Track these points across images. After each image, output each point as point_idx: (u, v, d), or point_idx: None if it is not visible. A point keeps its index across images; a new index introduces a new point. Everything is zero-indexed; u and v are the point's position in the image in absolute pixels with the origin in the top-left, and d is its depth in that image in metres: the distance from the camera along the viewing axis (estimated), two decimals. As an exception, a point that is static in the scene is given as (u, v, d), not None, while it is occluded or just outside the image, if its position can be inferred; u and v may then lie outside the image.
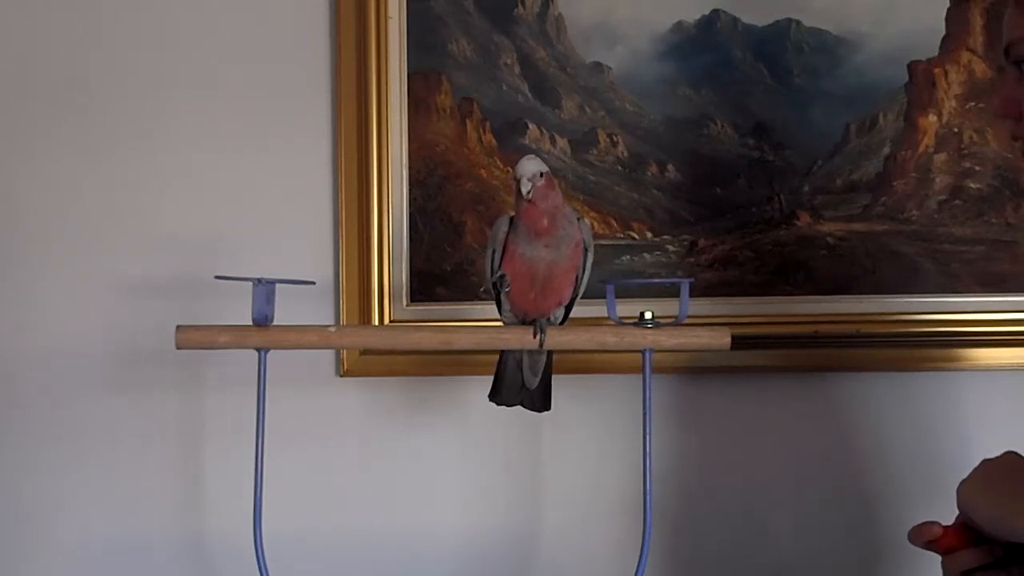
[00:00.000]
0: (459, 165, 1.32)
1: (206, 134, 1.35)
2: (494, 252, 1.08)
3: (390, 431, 1.32)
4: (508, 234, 1.07)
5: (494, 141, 1.32)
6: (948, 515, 0.93)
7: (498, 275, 1.08)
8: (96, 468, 1.35)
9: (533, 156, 1.06)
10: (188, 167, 1.35)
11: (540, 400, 1.14)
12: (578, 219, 1.08)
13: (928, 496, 1.21)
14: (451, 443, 1.32)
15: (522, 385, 1.13)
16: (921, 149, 1.26)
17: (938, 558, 0.94)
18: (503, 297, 1.09)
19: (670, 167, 1.29)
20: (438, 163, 1.32)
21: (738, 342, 1.11)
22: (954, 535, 0.91)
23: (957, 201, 1.26)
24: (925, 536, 0.93)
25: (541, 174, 1.04)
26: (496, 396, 1.14)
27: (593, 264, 1.10)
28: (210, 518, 1.33)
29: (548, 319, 1.09)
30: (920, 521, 0.92)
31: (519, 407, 1.14)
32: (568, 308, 1.11)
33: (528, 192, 1.03)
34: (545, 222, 1.05)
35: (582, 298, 1.12)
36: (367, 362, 1.31)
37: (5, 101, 1.38)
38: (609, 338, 1.09)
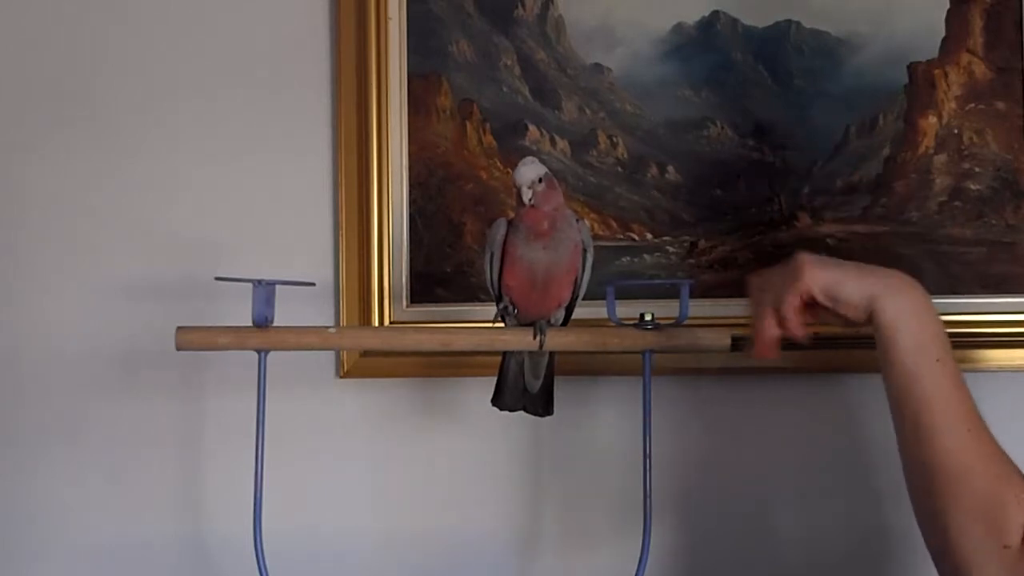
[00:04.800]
0: (459, 167, 1.32)
1: (206, 135, 1.35)
2: (492, 255, 1.08)
3: (390, 432, 1.32)
4: (507, 236, 1.07)
5: (494, 142, 1.32)
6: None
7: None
8: (96, 469, 1.35)
9: (531, 160, 1.06)
10: (188, 168, 1.35)
11: (542, 405, 1.14)
12: (577, 220, 1.08)
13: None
14: (451, 444, 1.32)
15: (524, 389, 1.13)
16: (921, 150, 1.26)
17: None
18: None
19: (670, 168, 1.30)
20: (438, 164, 1.32)
21: (738, 344, 1.11)
22: None
23: (957, 202, 1.26)
24: None
25: (540, 179, 1.04)
26: (498, 400, 1.14)
27: (593, 265, 1.10)
28: (210, 519, 1.33)
29: (548, 321, 1.09)
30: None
31: (521, 412, 1.14)
32: (569, 310, 1.11)
33: (531, 200, 1.03)
34: (546, 225, 1.05)
35: (582, 299, 1.12)
36: (367, 363, 1.31)
37: (6, 102, 1.38)
38: (609, 339, 1.09)
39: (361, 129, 1.31)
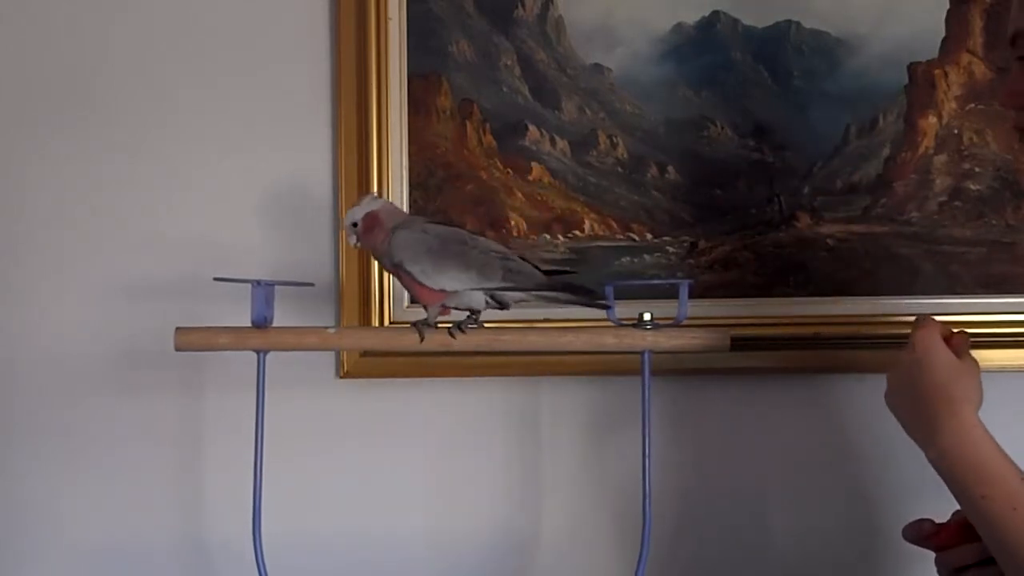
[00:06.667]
0: (459, 167, 1.31)
1: (206, 135, 1.35)
2: None
3: (390, 433, 1.32)
4: None
5: (494, 143, 1.32)
6: (949, 515, 0.94)
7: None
8: (95, 469, 1.35)
9: (361, 197, 1.09)
10: (188, 168, 1.35)
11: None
12: (392, 230, 1.08)
13: (930, 498, 1.20)
14: (451, 445, 1.32)
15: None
16: (921, 150, 1.26)
17: (941, 560, 0.95)
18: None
19: (670, 168, 1.29)
20: (438, 165, 1.32)
21: (738, 344, 1.11)
22: (948, 532, 0.92)
23: (957, 202, 1.26)
24: (915, 532, 0.95)
25: (356, 223, 1.08)
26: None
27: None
28: (210, 519, 1.33)
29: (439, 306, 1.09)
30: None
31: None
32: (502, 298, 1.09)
33: (356, 244, 1.08)
34: (386, 261, 1.09)
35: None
36: (367, 364, 1.31)
37: (7, 102, 1.38)
38: (608, 339, 1.10)
39: (361, 129, 1.31)
